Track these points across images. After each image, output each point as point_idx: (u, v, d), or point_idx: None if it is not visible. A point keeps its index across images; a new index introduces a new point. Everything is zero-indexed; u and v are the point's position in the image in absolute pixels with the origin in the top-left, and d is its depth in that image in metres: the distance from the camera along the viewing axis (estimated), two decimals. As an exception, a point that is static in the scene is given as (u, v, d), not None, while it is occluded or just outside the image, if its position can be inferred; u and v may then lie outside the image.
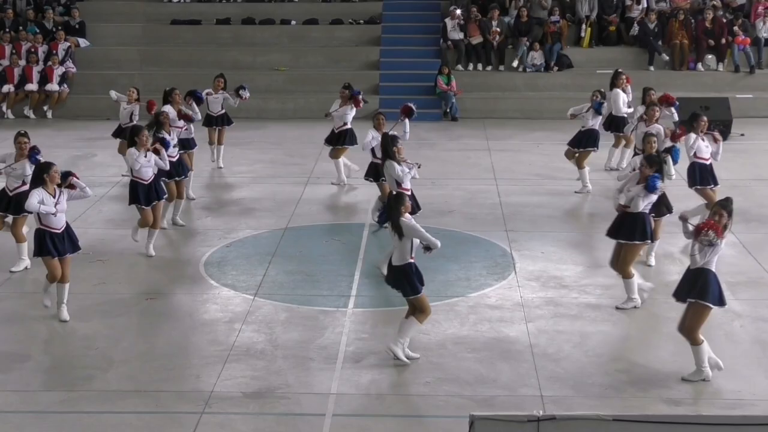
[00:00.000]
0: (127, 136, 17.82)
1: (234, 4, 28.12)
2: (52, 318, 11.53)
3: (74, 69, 25.22)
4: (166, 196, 14.14)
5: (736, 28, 25.19)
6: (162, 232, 14.53)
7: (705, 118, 14.40)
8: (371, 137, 15.07)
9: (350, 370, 10.37)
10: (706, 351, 10.08)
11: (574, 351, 10.91)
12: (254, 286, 12.82)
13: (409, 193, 12.51)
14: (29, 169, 12.49)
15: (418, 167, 13.05)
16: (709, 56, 25.42)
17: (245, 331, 11.39)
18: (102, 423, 9.34)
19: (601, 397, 9.75)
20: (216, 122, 18.57)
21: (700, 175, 14.38)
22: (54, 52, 25.10)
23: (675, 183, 15.68)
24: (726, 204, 10.06)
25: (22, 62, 24.81)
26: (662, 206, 13.19)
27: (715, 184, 14.45)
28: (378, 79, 25.22)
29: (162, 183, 14.04)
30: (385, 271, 11.61)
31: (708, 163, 14.36)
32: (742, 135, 20.71)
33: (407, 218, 10.37)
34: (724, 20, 25.52)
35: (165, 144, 14.00)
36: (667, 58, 25.50)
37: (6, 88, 24.38)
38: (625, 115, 17.79)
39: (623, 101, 17.88)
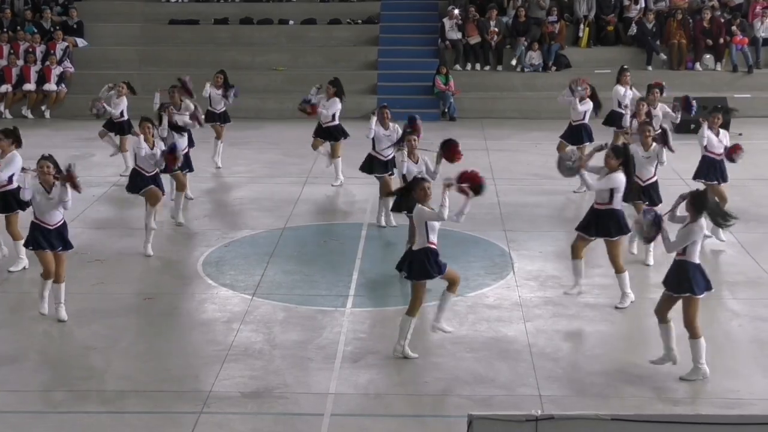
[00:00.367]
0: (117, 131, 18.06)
1: (232, 4, 28.11)
2: (50, 318, 11.52)
3: (72, 69, 25.20)
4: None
5: (734, 27, 25.20)
6: (160, 232, 14.51)
7: (720, 114, 14.36)
8: (372, 126, 14.96)
9: (348, 370, 10.36)
10: (704, 347, 10.06)
11: (573, 350, 10.92)
12: (252, 286, 12.82)
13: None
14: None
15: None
16: (707, 56, 25.43)
17: (243, 331, 11.38)
18: (100, 423, 9.33)
19: (599, 397, 9.75)
20: (218, 118, 18.56)
21: (707, 170, 14.35)
22: (52, 52, 25.07)
23: (671, 179, 15.70)
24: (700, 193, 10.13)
25: (20, 62, 24.78)
26: (654, 196, 13.25)
27: (723, 180, 14.35)
28: (376, 78, 25.21)
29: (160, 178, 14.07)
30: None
31: (719, 158, 14.30)
32: (740, 135, 20.70)
33: (421, 205, 10.39)
34: (722, 20, 25.52)
35: (173, 149, 13.98)
36: (665, 57, 25.50)
37: (4, 88, 24.35)
38: (623, 112, 17.76)
39: (621, 97, 17.78)
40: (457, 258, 13.68)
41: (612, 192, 11.65)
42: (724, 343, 11.23)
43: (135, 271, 13.42)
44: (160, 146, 13.94)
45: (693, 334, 10.08)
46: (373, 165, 15.11)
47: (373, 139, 15.11)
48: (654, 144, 13.35)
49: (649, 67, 25.42)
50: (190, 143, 16.27)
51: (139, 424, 9.32)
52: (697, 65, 25.36)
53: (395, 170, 13.57)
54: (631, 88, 17.83)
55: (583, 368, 10.41)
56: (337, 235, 15.02)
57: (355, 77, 25.40)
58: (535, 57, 25.49)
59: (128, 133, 18.06)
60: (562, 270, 13.33)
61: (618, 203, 11.76)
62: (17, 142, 13.31)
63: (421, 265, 10.41)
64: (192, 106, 16.31)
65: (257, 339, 11.21)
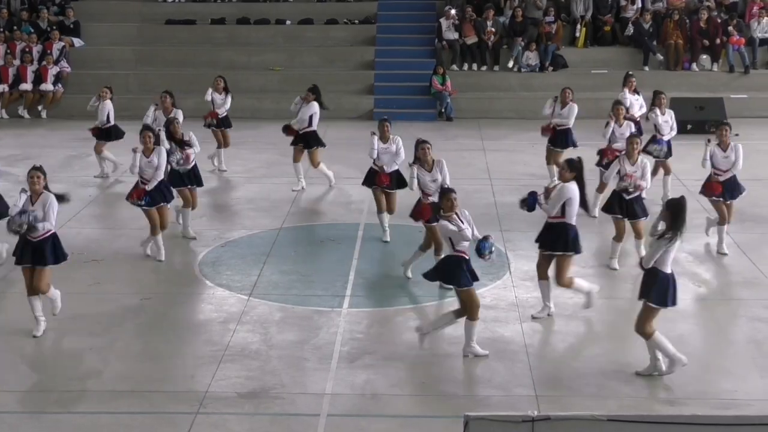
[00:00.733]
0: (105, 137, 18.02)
1: (229, 3, 28.10)
2: (45, 316, 11.48)
3: (69, 69, 25.18)
4: (172, 201, 13.96)
5: (730, 28, 25.22)
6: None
7: (727, 128, 13.97)
8: (375, 145, 14.42)
9: (345, 371, 10.36)
10: (662, 340, 10.09)
11: (569, 351, 10.92)
12: (249, 286, 12.82)
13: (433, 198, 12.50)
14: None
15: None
16: (704, 56, 25.44)
17: (240, 332, 11.38)
18: (96, 423, 9.33)
19: (595, 397, 9.76)
20: (220, 124, 18.50)
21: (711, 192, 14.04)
22: (48, 51, 25.06)
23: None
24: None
25: (17, 62, 24.76)
26: (638, 209, 13.22)
27: (730, 198, 14.00)
28: (373, 79, 25.21)
29: (168, 186, 13.89)
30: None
31: (723, 177, 13.93)
32: (737, 135, 20.69)
33: (447, 217, 10.49)
34: (719, 20, 25.53)
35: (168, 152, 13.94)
36: (662, 58, 25.52)
37: (0, 88, 24.33)
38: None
39: (629, 103, 17.65)
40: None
41: (564, 205, 11.38)
42: (720, 344, 11.24)
43: (131, 272, 13.41)
44: (157, 157, 13.65)
45: (645, 337, 10.09)
46: (374, 179, 14.52)
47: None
48: (640, 158, 13.33)
49: (646, 68, 25.44)
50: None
51: (135, 424, 9.32)
52: (694, 66, 25.36)
53: (413, 181, 13.04)
54: (637, 93, 17.71)
55: (579, 369, 10.41)
56: (334, 236, 15.01)
57: (352, 77, 25.42)
58: (531, 57, 25.49)
59: (118, 138, 18.07)
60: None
61: (571, 217, 11.43)
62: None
63: (451, 272, 10.48)
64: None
65: (254, 339, 11.20)
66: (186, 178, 14.58)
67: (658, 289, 9.97)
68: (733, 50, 25.11)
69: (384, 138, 14.48)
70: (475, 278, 10.60)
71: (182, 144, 14.49)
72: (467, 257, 10.54)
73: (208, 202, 16.83)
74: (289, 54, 26.28)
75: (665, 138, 16.12)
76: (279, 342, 11.14)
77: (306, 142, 17.28)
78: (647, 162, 13.45)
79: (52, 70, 24.56)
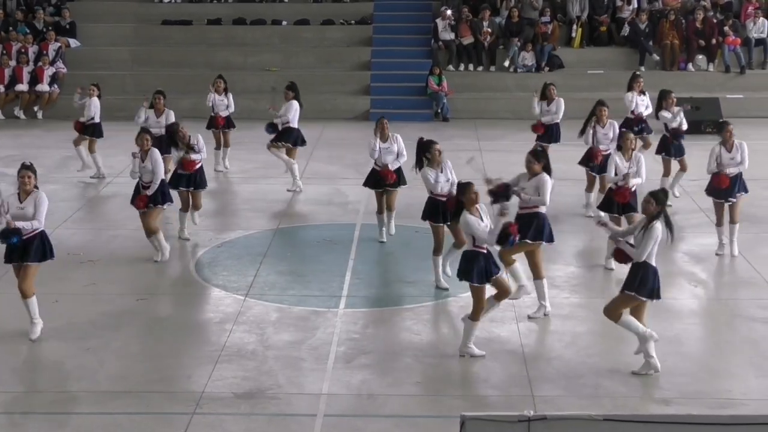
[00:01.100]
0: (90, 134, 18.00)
1: (225, 4, 28.10)
2: (43, 316, 11.46)
3: (65, 69, 25.16)
4: (168, 204, 13.74)
5: (726, 28, 25.24)
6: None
7: (731, 128, 13.87)
8: (376, 146, 14.22)
9: (341, 371, 10.36)
10: (630, 320, 10.12)
11: (565, 351, 10.92)
12: (245, 286, 12.81)
13: (443, 199, 12.38)
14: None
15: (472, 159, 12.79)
16: (700, 56, 25.47)
17: (236, 332, 11.38)
18: (92, 424, 9.32)
19: (592, 397, 9.76)
20: (222, 126, 18.45)
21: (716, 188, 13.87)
22: (44, 52, 25.04)
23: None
24: (656, 193, 10.16)
25: (13, 63, 24.75)
26: (633, 203, 13.23)
27: (732, 196, 13.80)
28: (369, 79, 25.22)
29: (166, 189, 13.74)
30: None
31: (730, 176, 13.69)
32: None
33: (470, 212, 10.47)
34: (715, 20, 25.57)
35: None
36: (658, 58, 25.54)
37: (-4, 88, 24.35)
38: (632, 116, 17.53)
39: (630, 103, 17.59)
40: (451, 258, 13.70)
41: (539, 194, 11.46)
42: (716, 344, 11.25)
43: (127, 272, 13.39)
44: (151, 161, 13.52)
45: (614, 320, 10.19)
46: (377, 180, 14.34)
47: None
48: (634, 153, 13.32)
49: (642, 68, 25.42)
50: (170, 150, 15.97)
51: (131, 424, 9.31)
52: (690, 66, 25.40)
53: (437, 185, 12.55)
54: (643, 94, 17.64)
55: (575, 368, 10.41)
56: (330, 236, 15.00)
57: (348, 78, 25.43)
58: (528, 57, 25.51)
59: (100, 136, 18.07)
60: (555, 270, 13.35)
61: (544, 206, 11.55)
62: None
63: (466, 267, 10.45)
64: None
65: (250, 340, 11.20)
66: (186, 181, 14.43)
67: (647, 281, 9.98)
68: (728, 50, 25.14)
69: (384, 137, 14.29)
70: (490, 276, 10.50)
71: (189, 148, 14.33)
72: (486, 252, 10.50)
73: (205, 203, 16.80)
74: (285, 54, 26.28)
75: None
76: (275, 342, 11.14)
77: (285, 137, 17.20)
78: (641, 156, 13.43)
79: (48, 71, 24.55)
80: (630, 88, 17.78)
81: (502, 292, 10.71)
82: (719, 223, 14.06)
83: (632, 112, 17.54)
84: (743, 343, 11.23)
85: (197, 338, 11.31)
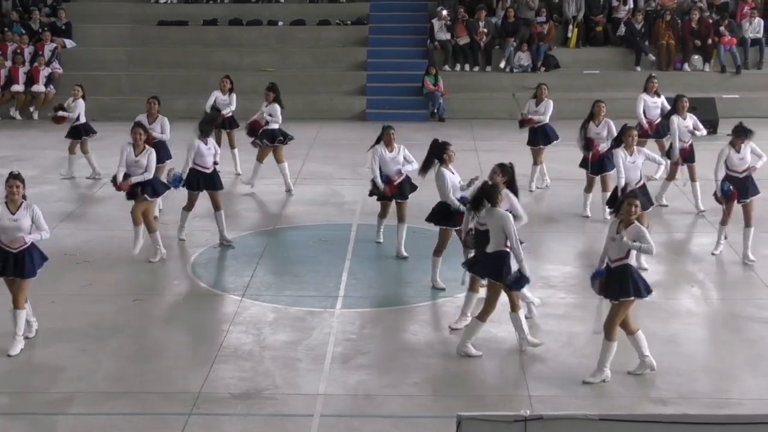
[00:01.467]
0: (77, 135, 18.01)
1: (221, 5, 28.09)
2: (38, 319, 11.45)
3: (61, 70, 25.14)
4: (152, 199, 13.72)
5: (722, 28, 25.27)
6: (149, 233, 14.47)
7: (744, 136, 13.56)
8: (378, 155, 13.76)
9: (338, 371, 10.36)
10: (614, 351, 10.04)
11: (562, 351, 10.92)
12: (242, 287, 12.81)
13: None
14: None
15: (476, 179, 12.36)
16: (696, 57, 25.50)
17: (233, 332, 11.37)
18: (89, 425, 9.32)
19: (588, 397, 9.77)
20: (225, 126, 18.36)
21: (736, 189, 13.51)
22: (40, 53, 25.02)
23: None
24: (637, 195, 10.23)
25: (8, 63, 24.72)
26: (643, 200, 13.20)
27: (744, 198, 13.57)
28: (365, 79, 25.22)
29: (157, 185, 13.70)
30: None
31: (741, 176, 13.50)
32: (729, 135, 20.77)
33: (502, 209, 10.51)
34: (711, 21, 25.59)
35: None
36: (654, 58, 25.56)
37: (-8, 89, 24.33)
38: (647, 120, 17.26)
39: (645, 106, 17.33)
40: (447, 258, 13.67)
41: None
42: (713, 343, 11.26)
43: (124, 273, 13.38)
44: (146, 159, 13.47)
45: (609, 337, 10.02)
46: (378, 189, 13.93)
47: (379, 164, 13.82)
48: (636, 148, 13.29)
49: (638, 68, 25.49)
50: (166, 156, 15.80)
51: (128, 425, 9.30)
52: (686, 66, 25.42)
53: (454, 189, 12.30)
54: (657, 96, 17.47)
55: (572, 368, 10.41)
56: (327, 236, 15.00)
57: (344, 78, 25.43)
58: (524, 58, 25.52)
59: (86, 136, 18.06)
60: (551, 270, 13.36)
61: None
62: None
63: (507, 266, 10.42)
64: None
65: (247, 340, 11.20)
66: (202, 182, 14.22)
67: (639, 282, 9.98)
68: (724, 50, 25.16)
69: (390, 147, 13.81)
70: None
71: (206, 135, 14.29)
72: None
73: (201, 203, 16.79)
74: (281, 55, 26.28)
75: (687, 143, 15.71)
76: (272, 343, 11.14)
77: (270, 138, 17.05)
78: (644, 151, 13.39)
79: (44, 72, 24.53)
80: (645, 91, 17.57)
81: (513, 305, 10.69)
82: (724, 222, 13.81)
83: (648, 114, 17.23)
84: (740, 343, 11.25)
85: (194, 339, 11.30)
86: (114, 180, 13.66)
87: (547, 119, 17.18)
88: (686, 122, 15.72)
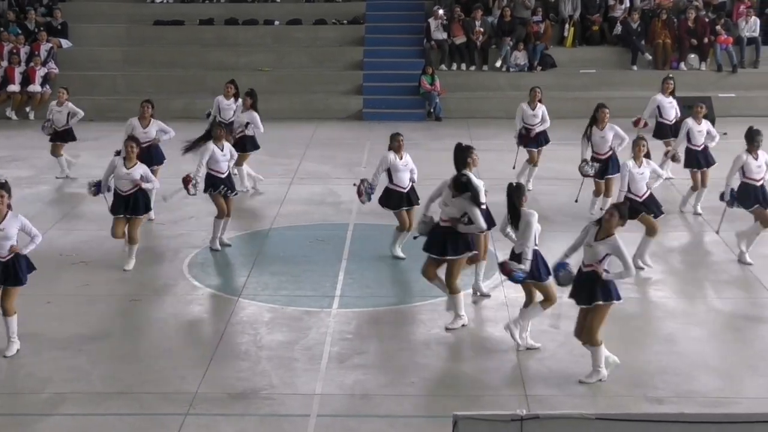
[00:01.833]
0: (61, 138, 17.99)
1: (217, 4, 28.08)
2: (34, 320, 11.45)
3: (56, 70, 25.12)
4: (142, 216, 13.55)
5: (718, 27, 25.29)
6: (145, 234, 14.47)
7: (760, 137, 13.45)
8: (389, 163, 13.52)
9: (335, 371, 10.36)
10: (603, 352, 10.04)
11: (559, 350, 10.92)
12: (238, 287, 12.80)
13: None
14: None
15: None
16: (692, 56, 25.52)
17: (229, 332, 11.37)
18: (85, 425, 9.31)
19: (584, 396, 9.77)
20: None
21: (746, 197, 13.44)
22: (36, 53, 25.00)
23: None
24: (620, 207, 10.12)
25: (4, 63, 24.71)
26: (653, 207, 13.18)
27: (765, 205, 13.40)
28: (361, 79, 25.22)
29: (142, 198, 13.42)
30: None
31: (758, 184, 13.40)
32: (725, 134, 20.76)
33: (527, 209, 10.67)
34: (707, 20, 25.61)
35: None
36: (650, 57, 25.58)
37: (-12, 89, 24.31)
38: (668, 122, 17.29)
39: (659, 107, 17.32)
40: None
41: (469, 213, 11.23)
42: (708, 342, 11.26)
43: (120, 273, 13.36)
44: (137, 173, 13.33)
45: (593, 342, 9.98)
46: (391, 199, 13.72)
47: (389, 171, 13.60)
48: (645, 160, 13.23)
49: (634, 67, 25.52)
50: (159, 160, 15.70)
51: (124, 426, 9.30)
52: (682, 65, 25.43)
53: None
54: (671, 96, 17.42)
55: (569, 367, 10.41)
56: (323, 236, 15.00)
57: (341, 77, 25.42)
58: (520, 57, 25.52)
59: (70, 141, 18.08)
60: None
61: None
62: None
63: (536, 266, 10.51)
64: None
65: (243, 340, 11.19)
66: (221, 184, 14.12)
67: (611, 286, 9.95)
68: (720, 49, 25.18)
69: (399, 154, 13.56)
70: (547, 270, 10.64)
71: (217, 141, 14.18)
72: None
73: (197, 203, 16.78)
74: (277, 54, 26.28)
75: (699, 147, 15.65)
76: (268, 343, 11.13)
77: (244, 145, 16.75)
78: (651, 163, 13.34)
79: (40, 72, 24.51)
80: (661, 90, 17.52)
81: (548, 298, 10.81)
82: (765, 225, 13.46)
83: (663, 115, 17.17)
84: (737, 342, 11.25)
85: (190, 339, 11.30)
86: (97, 186, 13.57)
87: (548, 124, 17.11)
88: (700, 127, 15.68)
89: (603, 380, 10.03)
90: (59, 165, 18.23)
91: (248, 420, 9.39)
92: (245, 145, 16.90)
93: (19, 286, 10.67)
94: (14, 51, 24.91)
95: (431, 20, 25.90)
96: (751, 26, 25.73)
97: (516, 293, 12.40)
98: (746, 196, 13.47)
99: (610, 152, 15.28)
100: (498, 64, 25.56)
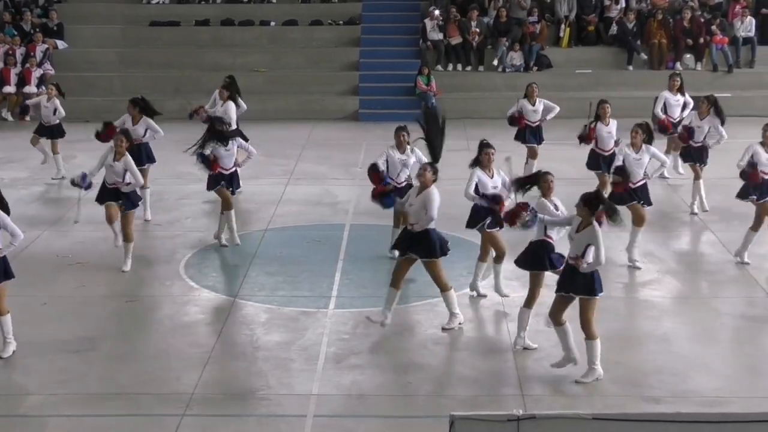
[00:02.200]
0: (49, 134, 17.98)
1: (213, 5, 28.06)
2: (30, 321, 11.44)
3: (52, 71, 25.09)
4: (132, 210, 13.36)
5: (714, 27, 25.32)
6: (141, 234, 14.47)
7: None
8: (386, 155, 13.33)
9: (331, 371, 10.36)
10: (599, 347, 10.05)
11: (555, 350, 10.91)
12: (235, 287, 12.80)
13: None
14: None
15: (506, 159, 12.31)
16: (688, 55, 25.54)
17: (225, 333, 11.37)
18: (82, 426, 9.30)
19: (581, 396, 9.78)
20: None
21: (754, 190, 13.36)
22: (32, 54, 24.98)
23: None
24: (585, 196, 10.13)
25: (0, 64, 24.67)
26: (643, 196, 13.20)
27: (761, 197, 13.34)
28: (357, 79, 25.21)
29: (132, 194, 13.32)
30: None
31: None
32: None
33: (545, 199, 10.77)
34: (702, 20, 25.64)
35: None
36: (646, 57, 25.60)
37: (-16, 90, 24.27)
38: (672, 120, 17.07)
39: (666, 104, 17.24)
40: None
41: (427, 209, 10.99)
42: (705, 342, 11.27)
43: (116, 274, 13.35)
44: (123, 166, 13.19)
45: (589, 335, 10.02)
46: (389, 194, 13.28)
47: (386, 165, 13.34)
48: (644, 146, 13.25)
49: (630, 67, 25.54)
50: (150, 159, 15.61)
51: (121, 426, 9.29)
52: (678, 65, 25.42)
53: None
54: (679, 93, 17.32)
55: (565, 367, 10.41)
56: (320, 236, 15.00)
57: (337, 78, 25.42)
58: (516, 57, 25.53)
59: (60, 137, 18.07)
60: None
61: (432, 222, 11.07)
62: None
63: (534, 256, 10.55)
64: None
65: (240, 341, 11.19)
66: (225, 180, 14.03)
67: (596, 280, 9.97)
68: (716, 49, 25.20)
69: (401, 149, 13.36)
70: (553, 266, 10.68)
71: (224, 141, 13.97)
72: (553, 243, 10.64)
73: (194, 204, 16.79)
74: (273, 55, 26.27)
75: (698, 145, 15.59)
76: (265, 343, 11.13)
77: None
78: (651, 149, 13.31)
79: (36, 73, 24.49)
80: (668, 88, 17.49)
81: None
82: (756, 228, 13.43)
83: (668, 111, 17.07)
84: (732, 341, 11.27)
85: (187, 340, 11.29)
86: (83, 178, 13.49)
87: (557, 109, 17.13)
88: (701, 123, 15.64)
89: (600, 379, 10.04)
90: (41, 154, 18.30)
91: (245, 421, 9.39)
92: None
93: (8, 279, 10.47)
94: (10, 52, 24.89)
95: (427, 21, 25.90)
96: (746, 26, 25.76)
97: (512, 293, 12.42)
98: (756, 188, 13.43)
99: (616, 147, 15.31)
100: (494, 64, 25.56)
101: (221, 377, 10.24)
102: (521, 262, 10.86)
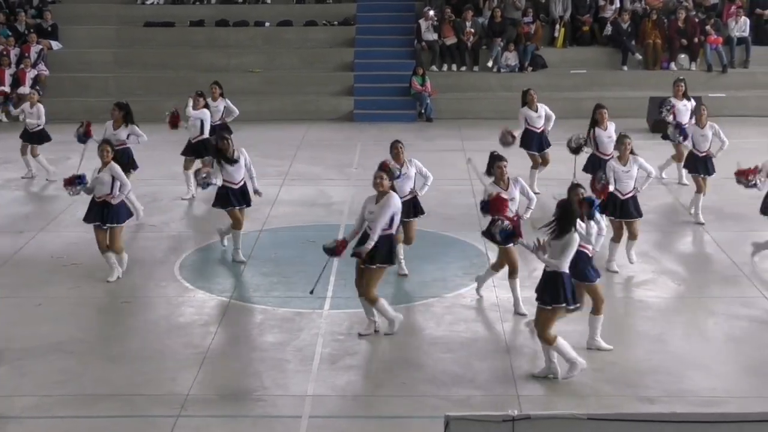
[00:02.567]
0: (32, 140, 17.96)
1: (208, 6, 28.06)
2: (27, 319, 11.42)
3: (47, 72, 25.08)
4: (115, 225, 12.90)
5: (708, 27, 25.35)
6: (136, 235, 14.45)
7: None
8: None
9: (326, 372, 10.36)
10: (565, 345, 10.06)
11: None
12: (229, 288, 12.79)
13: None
14: None
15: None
16: (682, 56, 25.57)
17: (220, 334, 11.36)
18: (77, 427, 9.29)
19: (577, 396, 9.78)
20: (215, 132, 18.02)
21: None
22: (26, 54, 24.96)
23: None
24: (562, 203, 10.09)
25: (-6, 65, 24.68)
26: (632, 210, 13.16)
27: None
28: (352, 80, 25.22)
29: (118, 207, 12.93)
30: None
31: None
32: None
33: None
34: (697, 20, 25.67)
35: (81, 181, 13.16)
36: (641, 57, 25.64)
37: (-22, 91, 24.24)
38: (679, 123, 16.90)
39: (676, 111, 17.05)
40: (435, 259, 13.71)
41: (392, 217, 10.92)
42: (700, 342, 11.28)
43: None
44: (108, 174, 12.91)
45: (549, 343, 10.02)
46: (408, 208, 12.87)
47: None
48: (631, 157, 13.19)
49: (625, 67, 25.57)
50: (133, 165, 15.53)
51: (116, 428, 9.28)
52: (672, 65, 25.48)
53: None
54: (685, 98, 17.19)
55: (561, 368, 10.41)
56: (314, 237, 14.97)
57: (332, 79, 25.42)
58: (511, 57, 25.55)
59: (44, 142, 18.12)
60: (540, 270, 13.33)
61: (395, 228, 11.05)
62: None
63: (574, 267, 10.30)
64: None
65: (235, 342, 11.18)
66: (234, 198, 13.77)
67: (567, 289, 9.94)
68: (710, 49, 25.24)
69: (399, 161, 12.90)
70: (598, 274, 10.67)
71: (230, 161, 13.71)
72: (590, 254, 10.57)
73: (188, 204, 16.78)
74: (268, 56, 26.27)
75: (701, 153, 15.37)
76: (260, 344, 11.12)
77: (198, 152, 16.52)
78: (640, 159, 13.27)
79: (30, 73, 24.47)
80: (674, 95, 17.33)
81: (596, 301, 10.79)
82: None
83: (676, 118, 16.87)
84: (727, 341, 11.27)
85: (182, 340, 11.27)
86: (81, 180, 13.34)
87: (551, 123, 17.00)
88: (703, 131, 15.41)
89: (584, 368, 10.04)
90: (26, 164, 18.32)
91: (240, 421, 9.38)
92: (200, 151, 16.53)
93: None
94: (4, 53, 24.87)
95: (422, 21, 25.92)
96: (740, 26, 25.80)
97: (507, 294, 12.41)
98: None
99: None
100: (489, 64, 25.58)
101: (216, 378, 10.23)
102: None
